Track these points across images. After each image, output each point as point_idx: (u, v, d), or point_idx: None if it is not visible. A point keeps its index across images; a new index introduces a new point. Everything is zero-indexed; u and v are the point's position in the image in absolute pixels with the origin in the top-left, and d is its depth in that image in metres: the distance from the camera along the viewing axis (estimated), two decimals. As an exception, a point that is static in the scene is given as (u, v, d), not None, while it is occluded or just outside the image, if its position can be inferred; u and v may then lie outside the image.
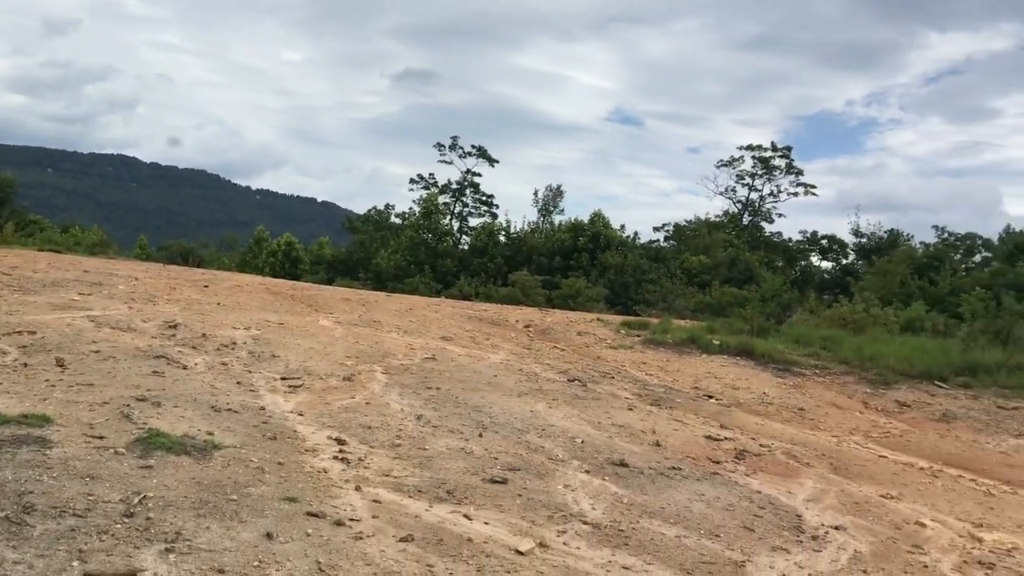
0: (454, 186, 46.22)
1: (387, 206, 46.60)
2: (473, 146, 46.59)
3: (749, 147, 47.00)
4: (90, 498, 4.31)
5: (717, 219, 45.96)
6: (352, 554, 4.13)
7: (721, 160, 48.34)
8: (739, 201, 48.06)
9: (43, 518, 3.98)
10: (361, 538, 4.37)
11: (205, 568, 3.69)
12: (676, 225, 45.35)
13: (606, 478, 6.41)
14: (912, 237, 39.33)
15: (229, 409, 6.69)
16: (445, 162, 46.77)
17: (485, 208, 45.97)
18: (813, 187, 47.12)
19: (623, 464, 6.84)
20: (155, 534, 3.98)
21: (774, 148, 46.98)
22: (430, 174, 46.69)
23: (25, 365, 7.30)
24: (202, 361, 8.58)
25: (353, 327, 12.70)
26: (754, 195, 47.88)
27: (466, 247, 42.40)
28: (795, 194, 47.01)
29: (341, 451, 6.01)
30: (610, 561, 4.74)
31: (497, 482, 5.83)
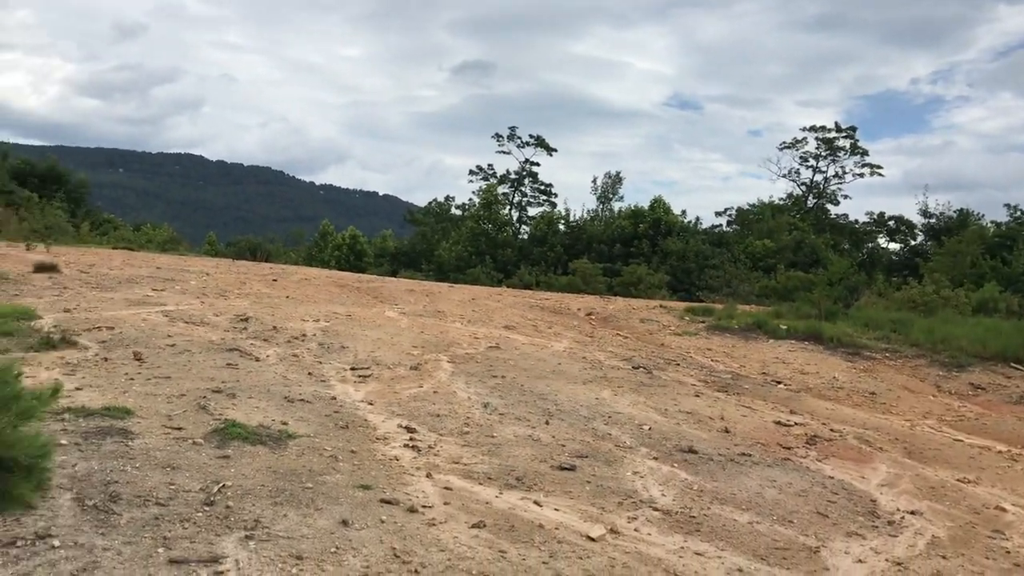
0: (513, 176, 46.32)
1: (447, 198, 47.04)
2: (531, 135, 46.63)
3: (812, 128, 46.02)
4: (172, 487, 4.44)
5: (781, 202, 45.14)
6: (426, 540, 4.18)
7: (784, 142, 47.45)
8: (803, 183, 47.15)
9: (128, 506, 4.12)
10: (434, 524, 4.42)
11: (284, 555, 3.78)
12: (739, 209, 44.72)
13: (675, 465, 6.37)
14: (983, 216, 37.92)
15: (301, 399, 6.83)
16: (503, 152, 46.90)
17: (544, 197, 45.97)
18: (879, 167, 45.94)
19: (692, 451, 6.79)
20: (235, 522, 4.09)
21: (838, 129, 45.92)
22: (489, 165, 46.91)
23: (105, 360, 7.54)
24: (273, 353, 8.76)
25: (418, 317, 12.83)
26: (818, 177, 46.89)
27: (526, 237, 42.43)
28: (860, 175, 45.90)
29: (411, 439, 6.09)
30: (682, 547, 4.72)
31: (566, 469, 5.84)
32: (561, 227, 40.95)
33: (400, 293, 16.35)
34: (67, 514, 3.93)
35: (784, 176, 47.42)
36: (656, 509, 5.30)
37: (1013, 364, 12.65)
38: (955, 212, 38.72)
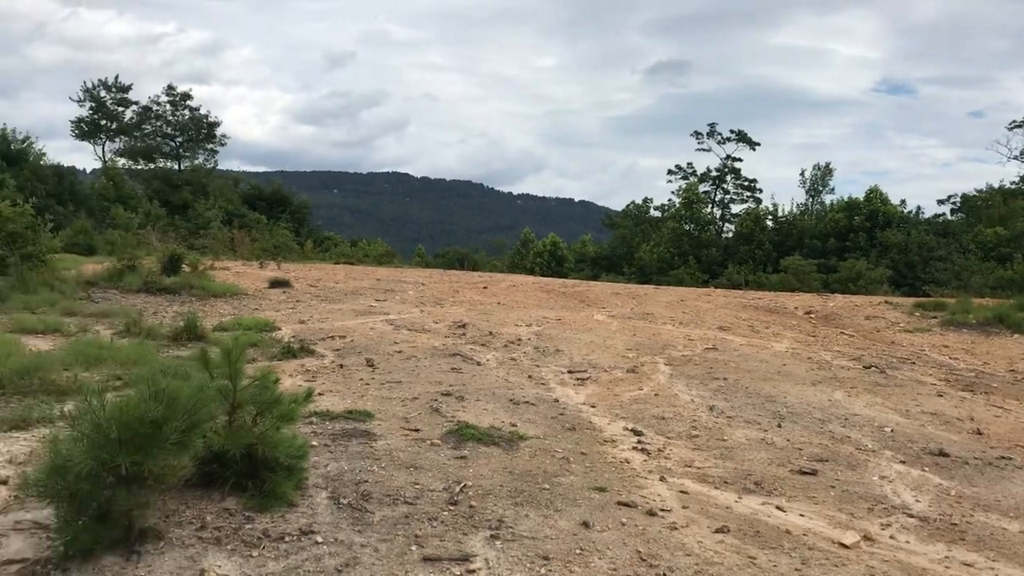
0: (714, 173, 45.18)
1: (645, 200, 46.66)
2: (732, 131, 45.34)
3: (1049, 102, 41.82)
4: (417, 487, 4.59)
5: (1013, 186, 41.23)
6: (670, 544, 4.06)
7: (1014, 121, 43.25)
8: (1040, 163, 42.85)
9: (379, 505, 4.28)
10: (676, 528, 4.29)
11: (531, 555, 3.79)
12: (964, 196, 41.41)
13: (926, 469, 5.88)
14: None
15: (526, 402, 6.90)
16: (703, 150, 45.95)
17: (748, 193, 44.54)
18: None
19: (943, 454, 6.25)
20: (479, 521, 4.15)
21: (1080, 100, 41.43)
22: (688, 164, 46.07)
23: (341, 366, 7.98)
24: (493, 357, 8.94)
25: (628, 320, 12.71)
26: (1058, 156, 42.43)
27: (730, 235, 41.29)
28: (1109, 151, 41.10)
29: (639, 442, 5.98)
30: (947, 556, 4.32)
31: (806, 473, 5.53)
32: (769, 223, 39.54)
33: (606, 296, 16.31)
34: (325, 512, 4.13)
35: (1015, 158, 43.27)
36: (911, 516, 4.89)
37: None
38: None
